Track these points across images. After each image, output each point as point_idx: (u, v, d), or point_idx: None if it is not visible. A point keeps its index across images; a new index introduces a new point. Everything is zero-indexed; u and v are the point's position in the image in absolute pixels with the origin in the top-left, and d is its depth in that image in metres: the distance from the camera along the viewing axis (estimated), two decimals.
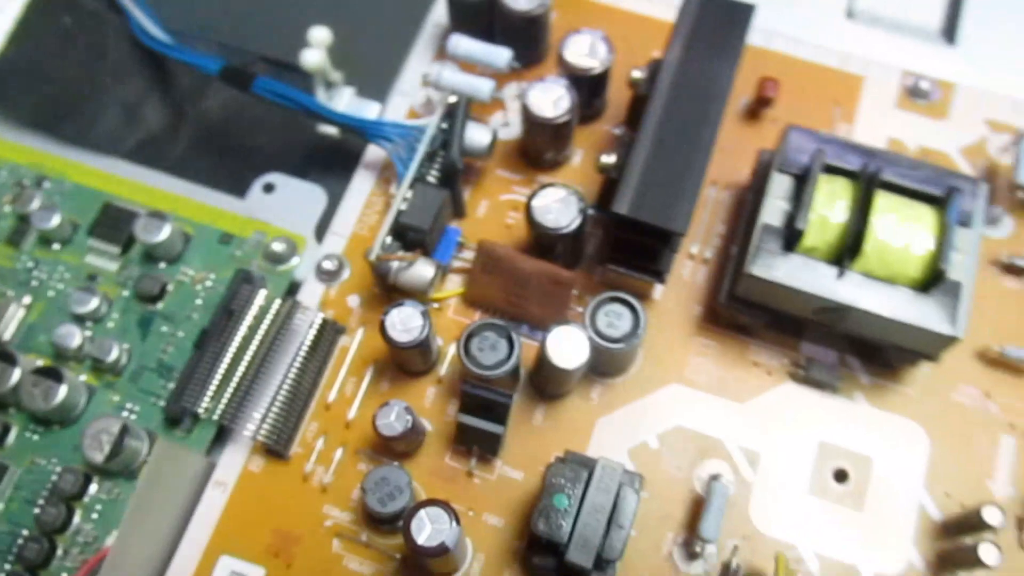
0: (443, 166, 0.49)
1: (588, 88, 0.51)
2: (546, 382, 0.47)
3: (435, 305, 0.50)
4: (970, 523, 0.44)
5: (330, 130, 0.56)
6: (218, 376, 0.47)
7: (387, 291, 0.50)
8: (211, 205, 0.53)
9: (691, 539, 0.45)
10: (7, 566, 0.45)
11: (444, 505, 0.41)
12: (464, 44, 0.52)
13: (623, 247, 0.46)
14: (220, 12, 0.63)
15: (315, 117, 0.53)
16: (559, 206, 0.47)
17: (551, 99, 0.49)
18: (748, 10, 0.48)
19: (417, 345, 0.45)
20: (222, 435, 0.48)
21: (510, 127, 0.54)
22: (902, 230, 0.44)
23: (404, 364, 0.48)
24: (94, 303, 0.50)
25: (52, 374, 0.47)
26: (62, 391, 0.47)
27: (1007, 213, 0.51)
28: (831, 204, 0.45)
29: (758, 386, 0.48)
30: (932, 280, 0.43)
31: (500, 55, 0.52)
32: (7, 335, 0.50)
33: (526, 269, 0.48)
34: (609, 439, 0.47)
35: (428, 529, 0.40)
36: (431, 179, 0.50)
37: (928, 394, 0.48)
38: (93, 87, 0.60)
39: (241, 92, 0.54)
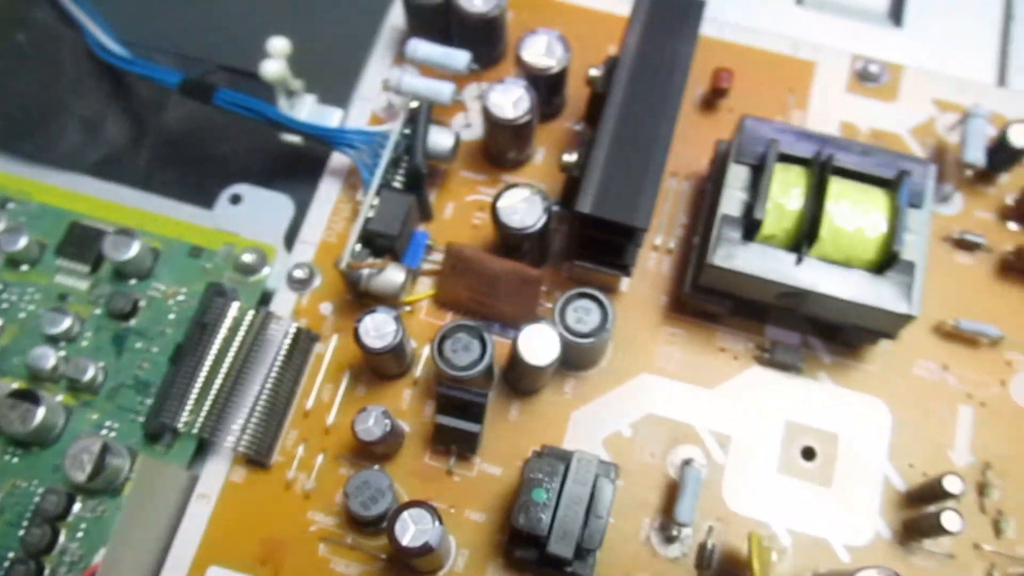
0: (408, 171, 0.50)
1: (547, 87, 0.52)
2: (520, 379, 0.48)
3: (407, 308, 0.51)
4: (933, 492, 0.45)
5: (294, 138, 0.56)
6: (195, 390, 0.48)
7: (359, 298, 0.50)
8: (179, 219, 0.54)
9: (667, 523, 0.46)
10: None
11: (426, 505, 0.42)
12: (422, 48, 0.52)
13: (589, 243, 0.48)
14: (176, 22, 0.63)
15: (278, 127, 0.53)
16: (524, 206, 0.48)
17: (511, 100, 0.50)
18: (699, 7, 0.49)
19: (391, 350, 0.45)
20: (203, 448, 0.49)
21: (472, 128, 0.55)
22: (855, 214, 0.46)
23: (379, 369, 0.48)
24: (66, 323, 0.50)
25: (29, 397, 0.47)
26: (40, 413, 0.47)
27: (956, 190, 0.53)
28: (787, 192, 0.46)
29: (726, 371, 0.50)
30: (887, 261, 0.45)
31: (458, 58, 0.52)
32: None
33: (494, 269, 0.49)
34: (584, 431, 0.49)
35: (412, 530, 0.41)
36: (397, 185, 0.50)
37: (888, 370, 0.50)
38: (51, 104, 0.60)
39: (202, 105, 0.54)
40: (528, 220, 0.47)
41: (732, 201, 0.47)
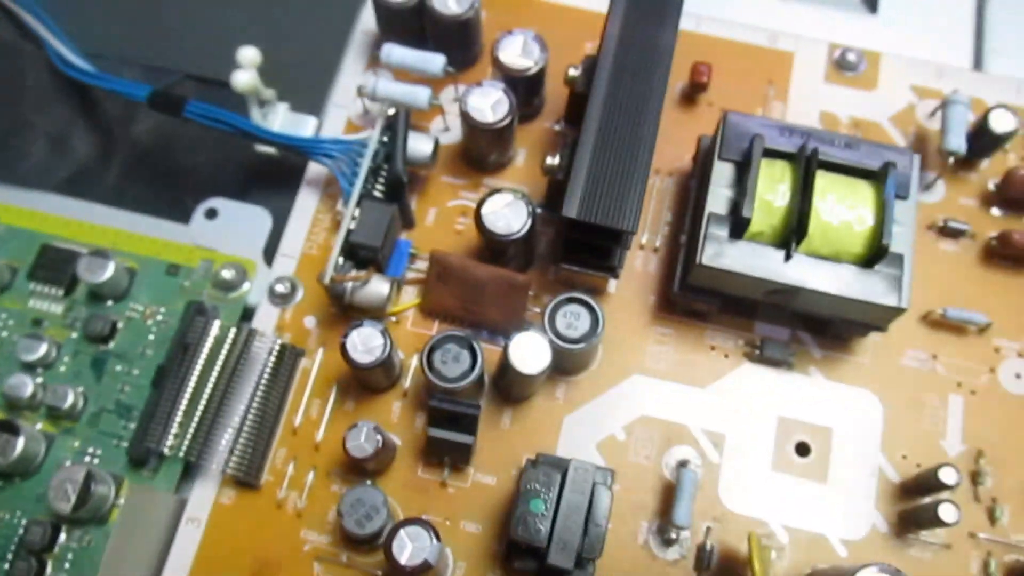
0: (388, 180, 0.49)
1: (525, 88, 0.51)
2: (510, 387, 0.47)
3: (393, 319, 0.50)
4: (928, 484, 0.45)
5: (269, 149, 0.55)
6: (180, 413, 0.47)
7: (343, 311, 0.49)
8: (154, 236, 0.52)
9: (665, 526, 0.46)
10: None
11: (422, 522, 0.41)
12: (397, 53, 0.51)
13: (575, 247, 0.47)
14: (140, 33, 0.61)
15: (252, 139, 0.52)
16: (508, 211, 0.47)
17: (490, 103, 0.49)
18: (678, 1, 0.48)
19: (380, 364, 0.45)
20: (190, 470, 0.48)
21: (451, 132, 0.54)
22: (843, 209, 0.46)
23: (368, 382, 0.48)
24: (43, 349, 0.49)
25: (7, 427, 0.46)
26: (19, 444, 0.46)
27: (939, 178, 0.53)
28: (773, 188, 0.46)
29: (717, 369, 0.49)
30: (875, 255, 0.45)
31: (434, 61, 0.51)
32: None
33: (480, 276, 0.48)
34: (577, 436, 0.48)
35: (409, 548, 0.41)
36: (377, 194, 0.49)
37: (878, 362, 0.50)
38: (15, 121, 0.59)
39: (173, 118, 0.52)
40: (514, 225, 0.47)
41: (718, 199, 0.46)
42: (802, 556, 0.46)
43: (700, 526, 0.46)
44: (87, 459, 0.48)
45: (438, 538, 0.41)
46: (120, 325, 0.50)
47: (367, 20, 0.57)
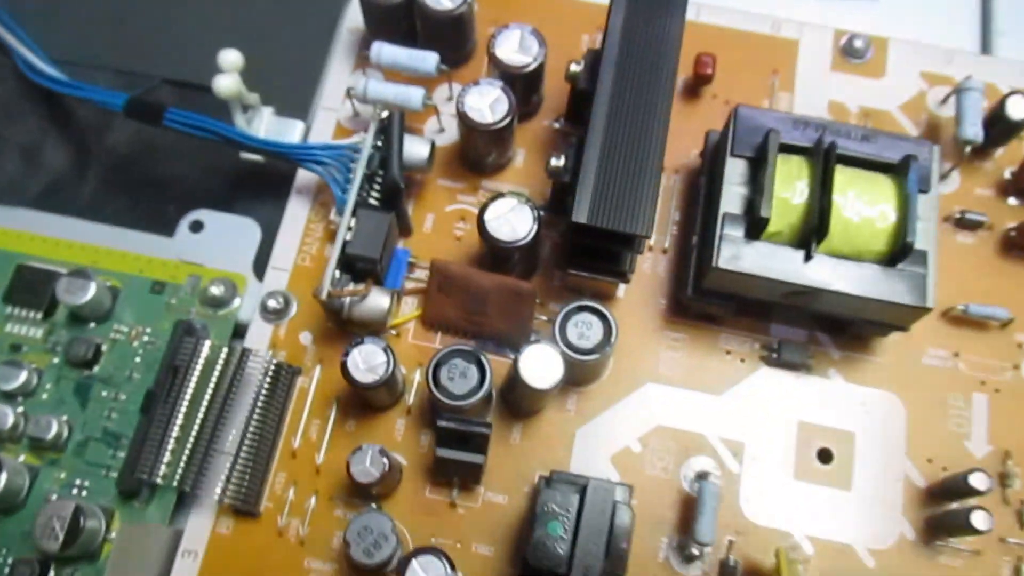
0: (384, 187, 0.46)
1: (523, 85, 0.49)
2: (521, 401, 0.45)
3: (393, 332, 0.47)
4: (957, 489, 0.44)
5: (254, 156, 0.52)
6: (171, 440, 0.44)
7: (341, 326, 0.47)
8: (137, 252, 0.50)
9: (686, 542, 0.44)
10: None
11: (435, 551, 0.39)
12: (387, 52, 0.49)
13: (584, 252, 0.45)
14: (112, 36, 0.58)
15: (237, 146, 0.49)
16: (512, 216, 0.45)
17: (488, 103, 0.47)
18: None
19: (384, 383, 0.42)
20: (184, 500, 0.45)
21: (446, 133, 0.52)
22: (863, 205, 0.44)
23: (370, 401, 0.45)
24: (22, 376, 0.46)
25: None
26: (2, 478, 0.43)
27: (954, 168, 0.51)
28: (790, 186, 0.44)
29: (733, 375, 0.47)
30: (899, 253, 0.43)
31: (427, 60, 0.49)
32: None
33: (484, 285, 0.46)
34: (590, 449, 0.46)
35: None
36: (372, 201, 0.47)
37: (899, 362, 0.48)
38: None
39: (152, 127, 0.50)
40: (519, 231, 0.44)
41: (732, 197, 0.44)
42: (828, 567, 0.44)
43: (722, 540, 0.44)
44: (74, 491, 0.45)
45: (453, 567, 0.39)
46: (104, 348, 0.47)
47: (353, 17, 0.55)
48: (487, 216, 0.45)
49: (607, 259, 0.45)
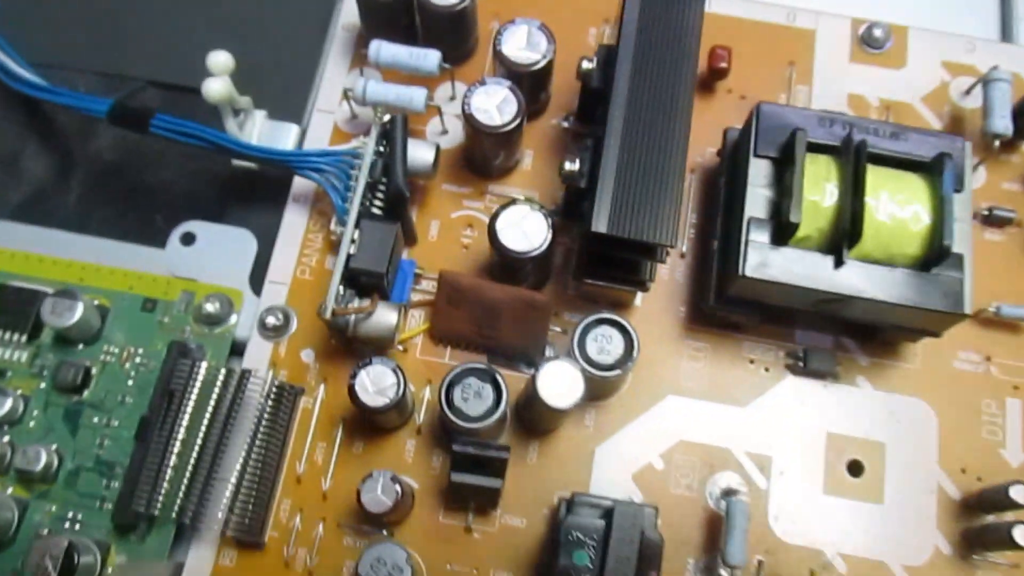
0: (388, 195, 0.44)
1: (531, 83, 0.46)
2: (538, 420, 0.43)
3: (400, 348, 0.45)
4: (995, 502, 0.42)
5: (247, 162, 0.49)
6: (169, 469, 0.42)
7: (346, 343, 0.44)
8: (126, 268, 0.47)
9: (714, 563, 0.42)
10: None
11: None
12: (387, 50, 0.46)
13: (601, 261, 0.42)
14: (93, 37, 0.55)
15: (230, 154, 0.47)
16: (525, 225, 0.42)
17: (495, 103, 0.44)
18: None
19: (394, 407, 0.40)
20: (183, 530, 0.43)
21: (449, 134, 0.49)
22: (895, 207, 0.41)
23: (378, 423, 0.43)
24: (7, 404, 0.43)
25: None
26: None
27: (981, 163, 0.49)
28: (819, 187, 0.41)
29: (757, 385, 0.45)
30: (935, 257, 0.41)
31: (429, 58, 0.46)
32: None
33: (497, 297, 0.44)
34: (611, 467, 0.44)
35: None
36: (375, 211, 0.44)
37: (929, 367, 0.46)
38: None
39: (138, 134, 0.47)
40: (533, 241, 0.42)
41: (757, 201, 0.42)
42: None
43: (751, 559, 0.42)
44: (67, 525, 0.42)
45: None
46: (94, 371, 0.45)
47: (347, 14, 0.52)
48: (498, 225, 0.42)
49: (625, 267, 0.43)
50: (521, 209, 0.43)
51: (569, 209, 0.45)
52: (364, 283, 0.42)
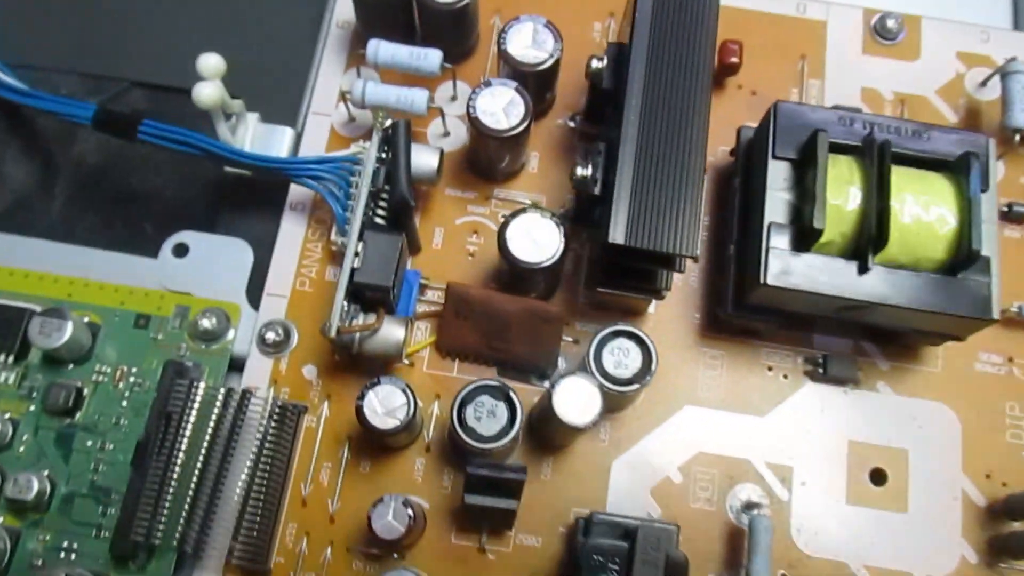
0: (392, 204, 0.42)
1: (536, 83, 0.44)
2: (553, 436, 0.41)
3: (406, 362, 0.43)
4: (1022, 508, 0.41)
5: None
6: (168, 496, 0.40)
7: (351, 360, 0.43)
8: (116, 282, 0.45)
9: None
10: None
11: None
12: (385, 50, 0.44)
13: (616, 271, 0.41)
14: (76, 37, 0.52)
15: (223, 161, 0.44)
16: (537, 234, 0.40)
17: (501, 105, 0.42)
18: None
19: (405, 428, 0.38)
20: (184, 559, 0.41)
21: (451, 136, 0.47)
22: (919, 209, 0.40)
23: (387, 443, 0.41)
24: None
25: None
26: None
27: (1000, 157, 0.47)
28: (841, 191, 0.40)
29: (776, 393, 0.44)
30: (962, 260, 0.39)
31: (430, 57, 0.44)
32: None
33: (506, 309, 0.42)
34: (629, 482, 0.42)
35: None
36: (378, 220, 0.42)
37: (951, 370, 0.45)
38: None
39: (125, 141, 0.45)
40: (546, 251, 0.40)
41: (776, 205, 0.40)
42: None
43: (774, 574, 0.41)
44: (62, 555, 0.41)
45: None
46: (86, 392, 0.43)
47: (341, 11, 0.50)
48: (508, 233, 0.40)
49: (640, 276, 0.41)
50: (531, 216, 0.41)
51: (580, 215, 0.44)
52: (369, 298, 0.41)
